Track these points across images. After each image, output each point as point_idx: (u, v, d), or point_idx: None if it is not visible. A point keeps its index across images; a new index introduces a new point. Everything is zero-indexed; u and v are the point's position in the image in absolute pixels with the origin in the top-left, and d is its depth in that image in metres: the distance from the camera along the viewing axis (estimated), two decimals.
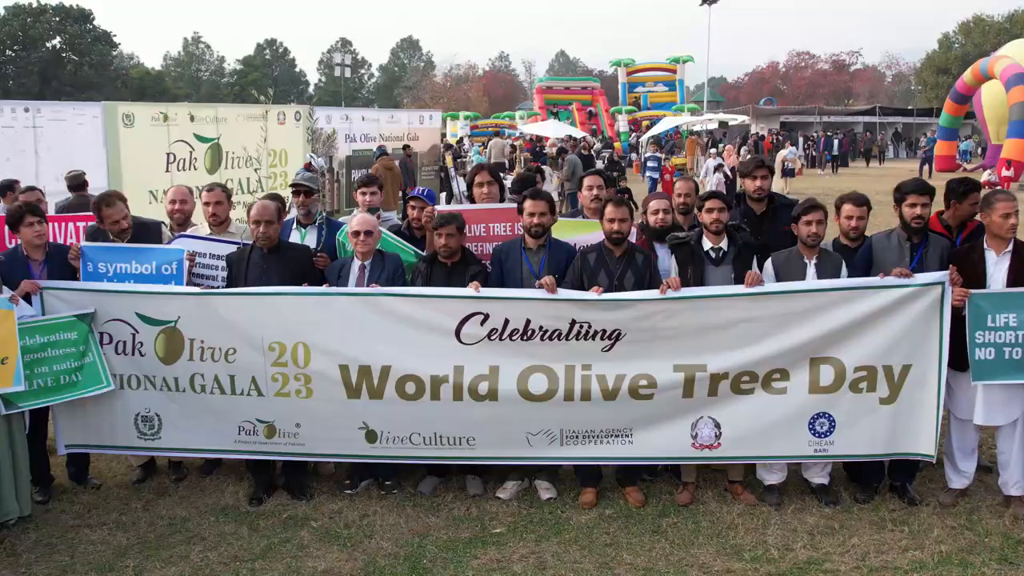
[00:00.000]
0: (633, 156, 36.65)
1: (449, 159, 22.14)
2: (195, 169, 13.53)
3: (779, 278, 4.93)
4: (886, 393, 4.85)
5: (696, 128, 39.09)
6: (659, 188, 19.16)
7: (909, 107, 59.99)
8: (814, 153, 38.79)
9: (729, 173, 18.46)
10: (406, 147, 18.68)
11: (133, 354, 5.14)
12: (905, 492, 5.08)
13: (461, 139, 34.91)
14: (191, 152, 13.49)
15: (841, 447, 4.93)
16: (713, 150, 26.72)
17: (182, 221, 5.79)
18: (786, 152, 30.02)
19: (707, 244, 4.98)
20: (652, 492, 5.23)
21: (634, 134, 41.20)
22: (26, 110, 11.74)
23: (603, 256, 4.94)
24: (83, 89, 68.99)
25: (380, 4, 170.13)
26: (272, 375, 5.01)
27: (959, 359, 4.77)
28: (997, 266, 4.78)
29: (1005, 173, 29.12)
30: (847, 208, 5.11)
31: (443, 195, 19.08)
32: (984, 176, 30.05)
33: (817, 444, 4.92)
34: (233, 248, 5.34)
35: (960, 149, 42.39)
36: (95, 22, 72.78)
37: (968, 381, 4.79)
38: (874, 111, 53.48)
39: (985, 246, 4.83)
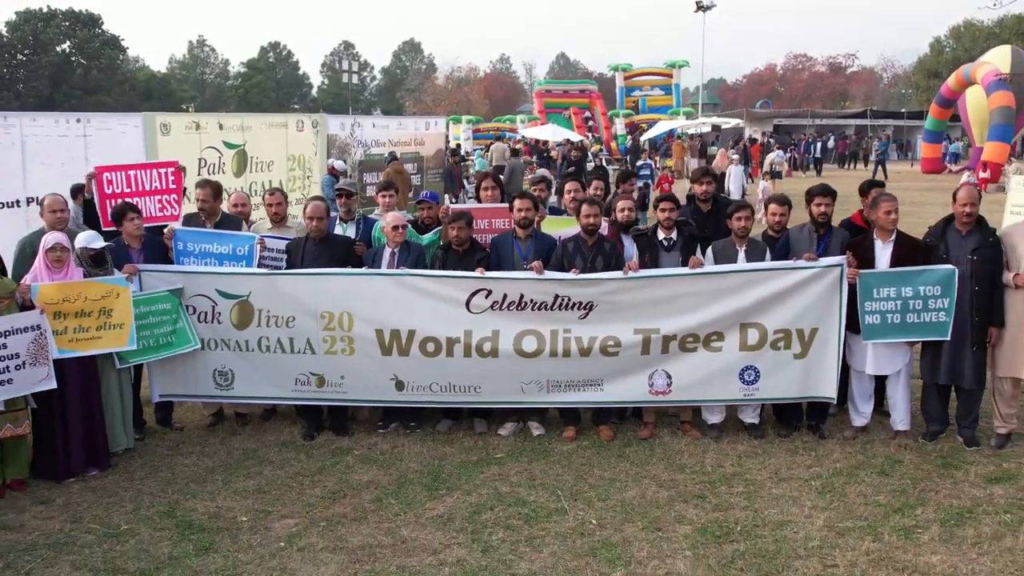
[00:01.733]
0: (629, 158, 38.04)
1: (454, 163, 23.49)
2: (223, 173, 14.90)
3: (716, 262, 6.33)
4: (799, 350, 6.26)
5: (690, 131, 40.48)
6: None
7: (903, 110, 61.16)
8: (795, 156, 40.22)
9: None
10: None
11: (212, 322, 6.56)
12: (818, 429, 6.50)
13: (459, 145, 36.17)
14: (220, 157, 14.87)
15: (764, 392, 6.34)
16: (736, 156, 28.19)
17: (247, 214, 7.22)
18: (773, 156, 31.51)
19: (661, 235, 6.40)
20: (620, 430, 6.65)
21: (630, 137, 42.57)
22: (77, 120, 13.08)
23: (579, 245, 6.34)
24: (92, 92, 70.38)
25: (382, 7, 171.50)
26: (323, 337, 6.42)
27: (855, 324, 6.17)
28: (883, 252, 6.18)
29: (982, 175, 30.51)
30: (772, 207, 6.54)
31: (447, 196, 20.50)
32: (964, 178, 31.43)
33: (746, 390, 6.33)
34: (290, 240, 6.76)
35: (951, 151, 43.95)
36: (104, 27, 74.31)
37: (861, 340, 6.20)
38: (865, 114, 54.87)
39: (875, 236, 6.24)
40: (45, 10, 70.80)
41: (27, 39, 69.67)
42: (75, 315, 5.81)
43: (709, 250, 6.40)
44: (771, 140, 40.92)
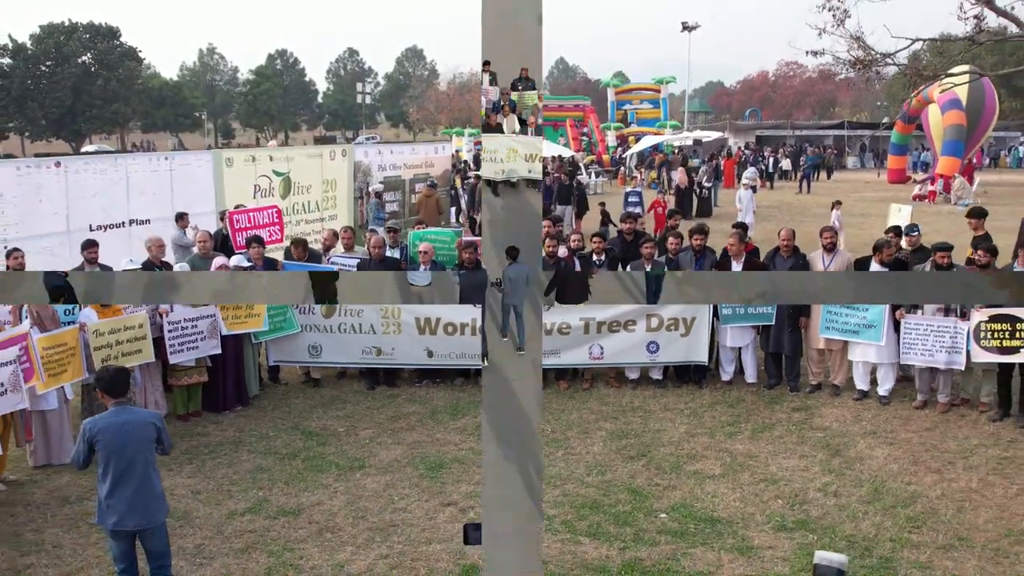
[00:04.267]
0: (621, 169, 41.61)
1: (458, 180, 27.07)
2: (273, 195, 18.53)
3: None
4: (684, 331, 9.84)
5: (675, 143, 44.01)
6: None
7: (885, 119, 64.31)
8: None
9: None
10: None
11: (308, 313, 10.15)
12: (699, 382, 10.09)
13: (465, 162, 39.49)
14: (270, 183, 18.52)
15: (662, 358, 9.93)
16: (748, 178, 31.43)
17: (329, 247, 10.88)
18: (748, 172, 35.15)
19: (595, 258, 9.99)
20: (572, 384, 10.24)
21: (619, 148, 46.13)
22: (165, 158, 16.78)
23: (544, 263, 9.93)
24: (111, 102, 74.06)
25: (385, 13, 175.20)
26: (381, 323, 10.01)
27: (719, 314, 9.75)
28: (736, 268, 9.77)
29: (930, 188, 34.05)
30: (670, 239, 10.15)
31: (452, 209, 24.09)
32: (915, 191, 34.91)
33: (650, 357, 9.92)
34: (360, 260, 10.39)
35: (922, 160, 47.57)
36: (121, 39, 77.79)
37: (722, 325, 9.79)
38: (842, 125, 58.43)
39: (731, 258, 9.84)
40: (67, 23, 74.39)
41: (50, 51, 73.18)
42: (232, 308, 9.41)
43: (628, 268, 10.00)
44: (745, 153, 44.29)
